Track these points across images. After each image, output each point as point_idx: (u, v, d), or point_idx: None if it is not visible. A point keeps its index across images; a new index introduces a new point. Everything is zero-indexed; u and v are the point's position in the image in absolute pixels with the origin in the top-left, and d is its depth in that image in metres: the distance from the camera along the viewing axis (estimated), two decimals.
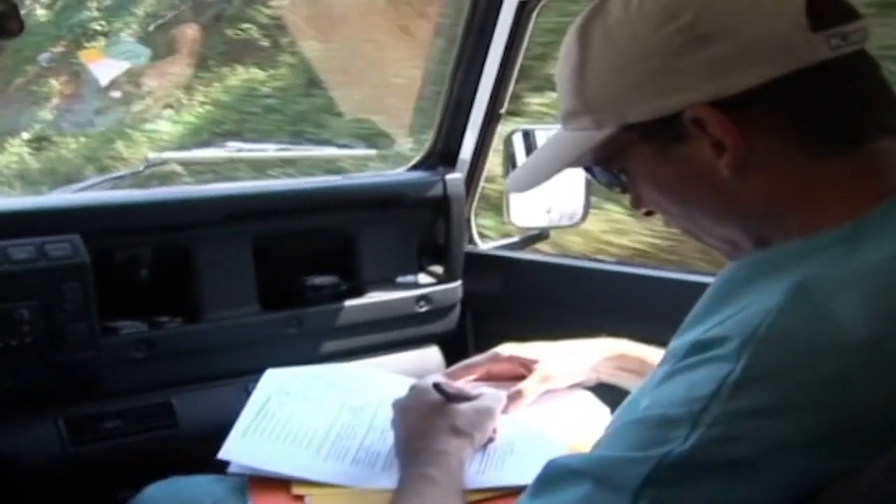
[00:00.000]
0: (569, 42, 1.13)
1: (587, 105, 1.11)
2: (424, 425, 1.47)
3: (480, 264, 2.65)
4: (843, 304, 0.91)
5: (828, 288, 0.92)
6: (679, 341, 1.01)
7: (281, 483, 1.46)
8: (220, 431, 1.55)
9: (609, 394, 1.71)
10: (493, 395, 1.58)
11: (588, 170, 1.21)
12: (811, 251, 0.98)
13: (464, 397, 1.54)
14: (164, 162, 2.33)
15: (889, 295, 0.91)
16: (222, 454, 1.51)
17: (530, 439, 1.56)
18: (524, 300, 2.57)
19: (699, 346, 0.96)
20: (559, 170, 1.20)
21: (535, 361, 1.71)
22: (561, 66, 1.15)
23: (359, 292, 2.44)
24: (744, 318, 0.94)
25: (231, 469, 1.52)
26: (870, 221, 0.98)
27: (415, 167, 2.65)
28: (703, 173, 1.05)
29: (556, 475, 1.00)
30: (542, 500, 0.99)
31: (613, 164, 1.16)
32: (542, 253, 2.66)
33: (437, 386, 1.53)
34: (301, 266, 2.39)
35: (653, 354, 1.67)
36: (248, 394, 1.69)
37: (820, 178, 1.01)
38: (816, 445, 0.89)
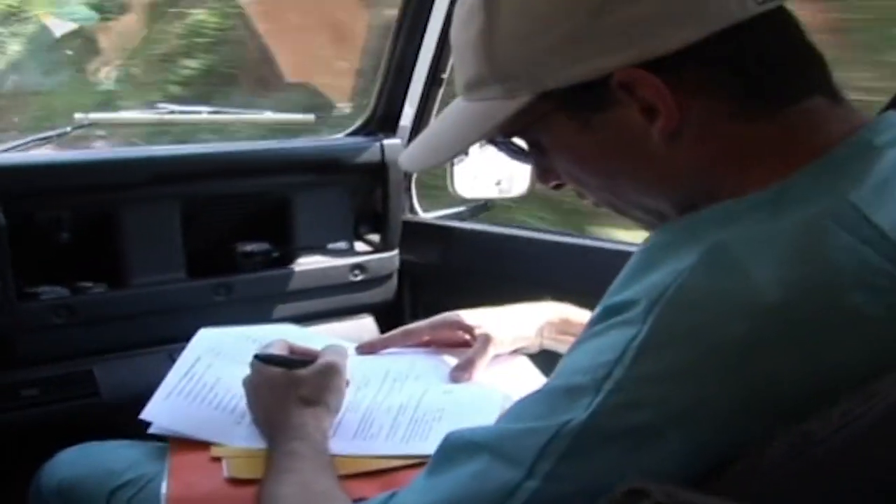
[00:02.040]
0: (471, 2, 1.03)
1: (497, 72, 1.02)
2: (274, 401, 1.40)
3: (419, 233, 2.59)
4: (758, 264, 0.86)
5: (743, 248, 0.87)
6: (596, 309, 0.96)
7: (200, 445, 1.41)
8: (143, 400, 1.48)
9: (549, 361, 1.67)
10: (333, 350, 1.49)
11: (492, 142, 1.12)
12: (734, 214, 0.92)
13: (300, 362, 1.45)
14: (92, 123, 2.24)
15: (808, 256, 0.86)
16: (144, 415, 1.45)
17: (461, 407, 1.51)
18: (463, 270, 2.52)
19: (609, 311, 0.92)
20: (465, 146, 1.09)
21: (478, 327, 1.65)
22: (461, 30, 1.05)
23: (291, 259, 2.38)
24: (655, 281, 0.89)
25: (152, 430, 1.46)
26: (796, 183, 0.92)
27: (354, 133, 2.58)
28: (631, 141, 0.99)
29: (454, 448, 0.95)
30: (437, 477, 0.94)
31: (525, 136, 1.08)
32: (482, 222, 2.60)
33: (257, 357, 1.45)
34: (232, 232, 2.32)
35: None
36: (172, 362, 1.62)
37: (751, 141, 0.97)
38: (723, 414, 0.84)
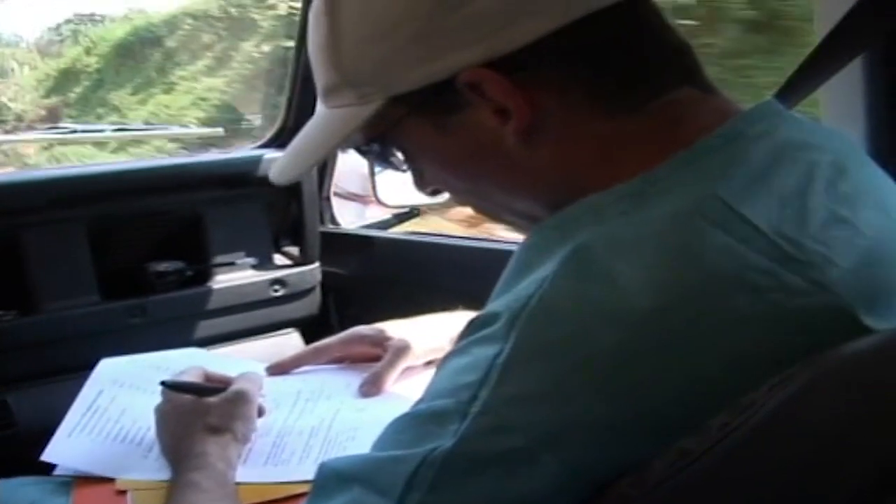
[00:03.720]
0: (316, 6, 0.98)
1: (346, 78, 0.97)
2: (180, 428, 1.34)
3: (339, 244, 2.55)
4: (625, 267, 0.79)
5: (608, 251, 0.81)
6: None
7: (105, 480, 1.34)
8: None
9: None
10: (246, 377, 1.44)
11: (359, 150, 1.07)
12: (600, 209, 0.87)
13: (210, 389, 1.39)
14: None
15: (681, 257, 0.79)
16: (45, 456, 1.38)
17: (376, 423, 1.47)
18: (386, 280, 2.48)
19: (472, 326, 0.86)
20: (326, 153, 1.06)
21: (389, 339, 1.60)
22: (312, 36, 1.00)
23: (207, 277, 2.31)
24: (518, 292, 0.83)
25: (57, 471, 1.39)
26: (661, 174, 0.86)
27: (265, 145, 2.53)
28: (488, 144, 0.94)
29: (326, 479, 0.88)
30: None
31: (388, 142, 1.02)
32: (400, 231, 2.56)
33: (163, 384, 1.40)
34: (144, 252, 2.25)
35: None
36: None
37: (616, 136, 0.91)
38: (598, 432, 0.77)
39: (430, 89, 0.92)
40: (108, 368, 1.60)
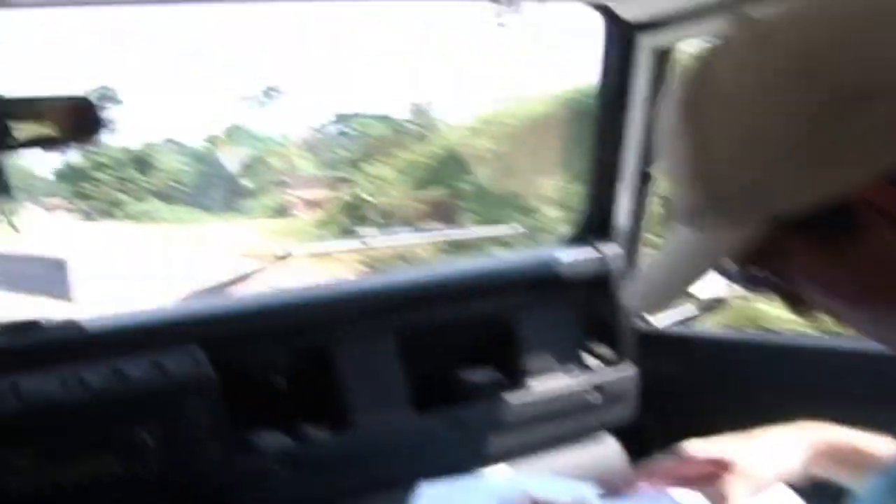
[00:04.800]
0: (675, 123, 0.88)
1: (716, 199, 0.86)
2: None
3: (654, 343, 2.38)
4: None
5: None
6: None
7: None
8: None
9: (820, 492, 1.43)
10: None
11: (725, 273, 0.96)
12: None
13: None
14: (290, 255, 2.15)
15: None
16: None
17: None
18: (707, 382, 2.31)
19: None
20: (694, 280, 0.93)
21: (730, 460, 1.43)
22: (672, 154, 0.90)
23: (521, 384, 2.20)
24: None
25: None
26: None
27: (568, 242, 2.42)
28: (888, 262, 0.82)
29: None
30: None
31: (761, 265, 0.91)
32: (724, 328, 2.37)
33: None
34: (453, 359, 2.17)
35: (867, 442, 1.37)
36: None
37: None
38: None
39: (817, 209, 0.81)
40: (431, 496, 1.55)
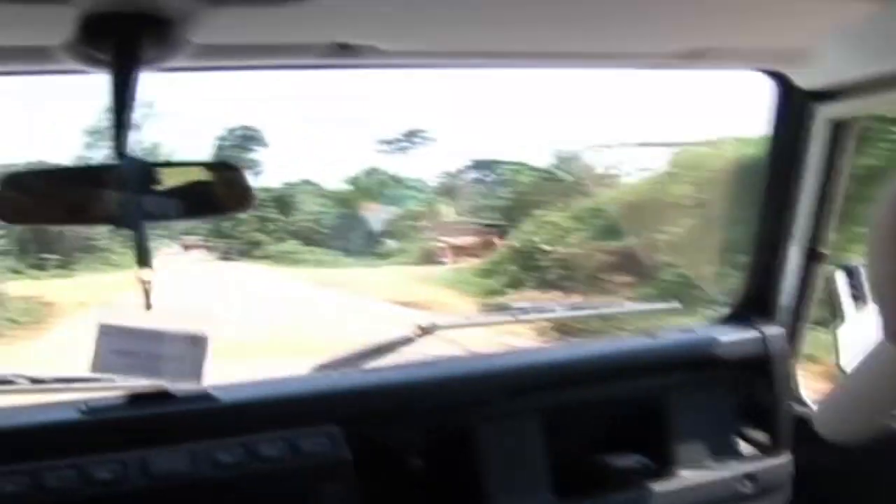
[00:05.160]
0: (882, 228, 0.81)
1: None
2: None
3: (812, 430, 2.22)
4: None
5: None
6: None
7: None
8: None
9: None
10: None
11: None
12: None
13: None
14: (436, 328, 2.07)
15: None
16: None
17: None
18: (869, 479, 2.13)
19: None
20: None
21: None
22: (877, 262, 0.83)
23: (669, 472, 2.09)
24: None
25: None
26: None
27: (725, 319, 2.28)
28: None
29: None
30: None
31: None
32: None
33: None
34: (598, 442, 2.06)
35: None
36: None
37: None
38: None
39: None
40: None
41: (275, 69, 1.79)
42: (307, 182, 28.74)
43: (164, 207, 1.46)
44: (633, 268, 10.79)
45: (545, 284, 13.35)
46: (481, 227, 22.98)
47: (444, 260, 21.87)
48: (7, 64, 1.55)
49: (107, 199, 1.42)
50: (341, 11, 1.35)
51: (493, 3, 1.38)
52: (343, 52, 1.52)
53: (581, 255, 13.45)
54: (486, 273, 16.80)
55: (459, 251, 22.12)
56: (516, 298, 12.26)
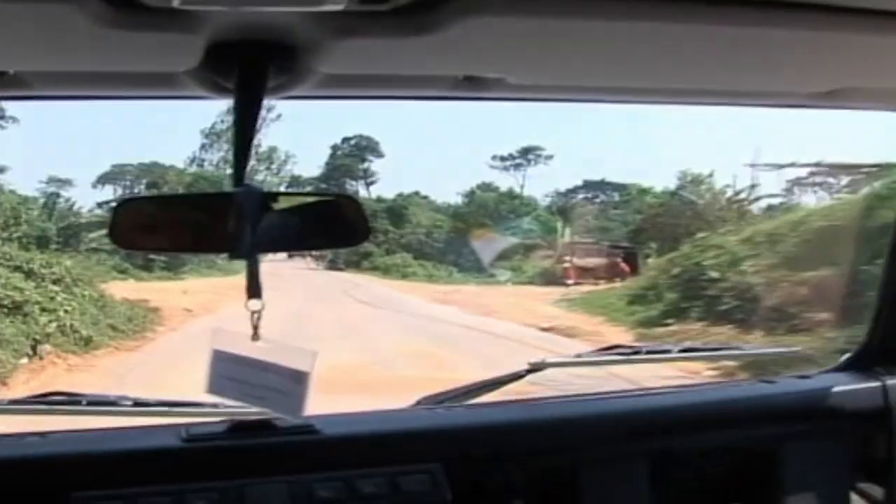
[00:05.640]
0: None
1: None
2: None
3: None
4: None
5: None
6: None
7: None
8: None
9: None
10: None
11: None
12: None
13: None
14: (545, 366, 2.00)
15: None
16: None
17: None
18: None
19: None
20: None
21: None
22: None
23: None
24: None
25: None
26: None
27: (845, 366, 2.18)
28: None
29: None
30: None
31: None
32: None
33: None
34: (706, 492, 1.98)
35: None
36: None
37: None
38: None
39: None
40: None
41: (399, 99, 1.74)
42: (419, 195, 28.30)
43: (279, 238, 1.44)
44: (832, 302, 9.07)
45: (714, 316, 11.69)
46: (607, 248, 22.34)
47: (568, 281, 21.17)
48: (133, 89, 1.54)
49: (221, 228, 1.39)
50: (471, 44, 1.29)
51: (629, 39, 1.31)
52: (469, 85, 1.47)
53: (763, 286, 11.80)
54: (638, 299, 14.96)
55: (584, 272, 21.46)
56: (679, 332, 11.25)
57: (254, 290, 1.42)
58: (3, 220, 18.72)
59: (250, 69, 1.29)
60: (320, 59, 1.30)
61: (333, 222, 1.49)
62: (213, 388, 1.52)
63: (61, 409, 1.84)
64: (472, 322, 14.47)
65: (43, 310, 13.21)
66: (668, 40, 1.30)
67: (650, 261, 18.12)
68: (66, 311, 13.51)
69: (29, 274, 14.37)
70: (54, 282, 14.54)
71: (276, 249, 1.62)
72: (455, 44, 1.27)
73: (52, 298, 13.77)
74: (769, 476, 2.02)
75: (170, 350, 11.15)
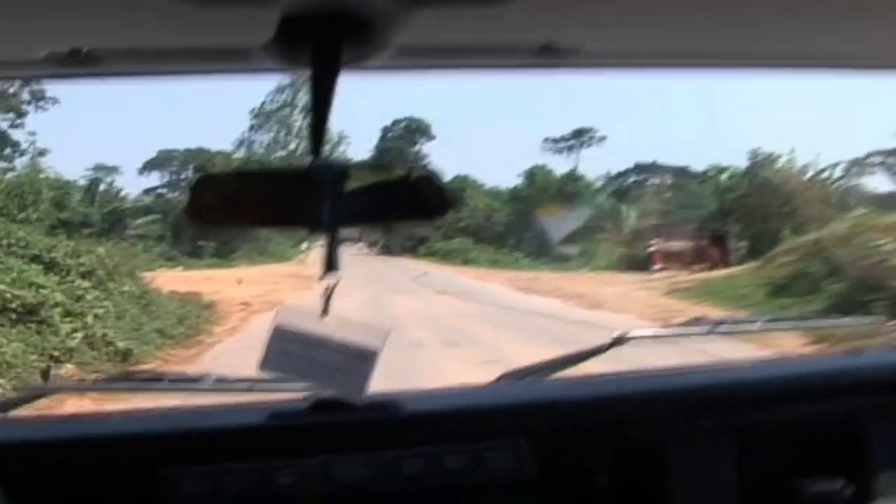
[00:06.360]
0: None
1: None
2: None
3: None
4: None
5: None
6: None
7: None
8: None
9: None
10: None
11: None
12: None
13: None
14: (630, 338, 1.97)
15: None
16: None
17: None
18: None
19: None
20: None
21: None
22: None
23: (868, 499, 1.93)
24: None
25: None
26: None
27: None
28: None
29: None
30: None
31: None
32: None
33: None
34: (794, 466, 1.94)
35: None
36: None
37: None
38: None
39: None
40: None
41: (475, 70, 1.72)
42: (472, 178, 27.80)
43: (359, 212, 1.42)
44: None
45: None
46: (693, 231, 21.59)
47: (655, 267, 20.52)
48: (207, 64, 1.54)
49: (299, 203, 1.39)
50: (550, 10, 1.27)
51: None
52: (546, 54, 1.45)
53: None
54: (783, 291, 13.52)
55: (673, 257, 20.71)
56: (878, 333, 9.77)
57: (331, 264, 1.41)
58: (19, 201, 17.14)
59: (326, 41, 1.28)
60: (396, 30, 1.28)
61: (413, 196, 1.47)
62: (268, 364, 1.49)
63: (145, 387, 1.86)
64: (588, 317, 13.37)
65: (66, 314, 10.72)
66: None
67: (783, 243, 16.80)
68: (96, 316, 11.08)
69: (50, 266, 11.92)
70: (83, 275, 12.17)
71: (356, 223, 1.60)
72: (532, 9, 1.25)
73: (79, 298, 11.35)
74: (857, 450, 1.97)
75: (233, 360, 9.27)
